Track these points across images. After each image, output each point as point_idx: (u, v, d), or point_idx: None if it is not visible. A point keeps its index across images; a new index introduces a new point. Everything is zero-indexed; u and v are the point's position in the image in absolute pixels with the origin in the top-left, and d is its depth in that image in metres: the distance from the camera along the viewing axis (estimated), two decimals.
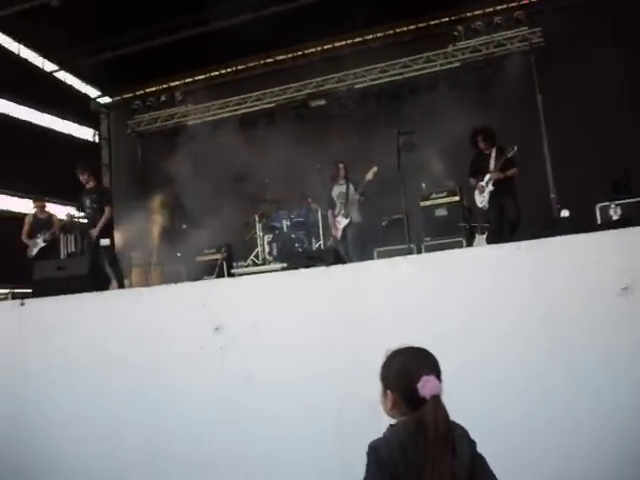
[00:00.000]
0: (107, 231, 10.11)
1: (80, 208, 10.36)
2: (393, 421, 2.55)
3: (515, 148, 9.28)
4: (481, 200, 9.54)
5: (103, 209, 10.14)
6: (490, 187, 9.35)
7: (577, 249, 5.11)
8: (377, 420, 2.67)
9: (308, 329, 5.69)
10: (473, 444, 2.59)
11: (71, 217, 11.38)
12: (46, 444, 6.52)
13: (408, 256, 6.74)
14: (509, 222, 9.18)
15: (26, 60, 17.55)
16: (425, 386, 2.41)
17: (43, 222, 11.18)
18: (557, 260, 5.12)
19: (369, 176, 10.52)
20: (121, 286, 9.80)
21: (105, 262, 10.01)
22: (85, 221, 10.55)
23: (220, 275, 12.95)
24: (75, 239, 14.17)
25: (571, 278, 5.01)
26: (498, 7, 15.34)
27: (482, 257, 5.66)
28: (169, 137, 17.69)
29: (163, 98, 17.84)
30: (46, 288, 7.46)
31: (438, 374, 2.51)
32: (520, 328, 5.03)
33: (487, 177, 9.42)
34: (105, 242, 9.97)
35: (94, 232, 9.93)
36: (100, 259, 9.89)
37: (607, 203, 10.18)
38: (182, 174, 15.67)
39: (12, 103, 17.11)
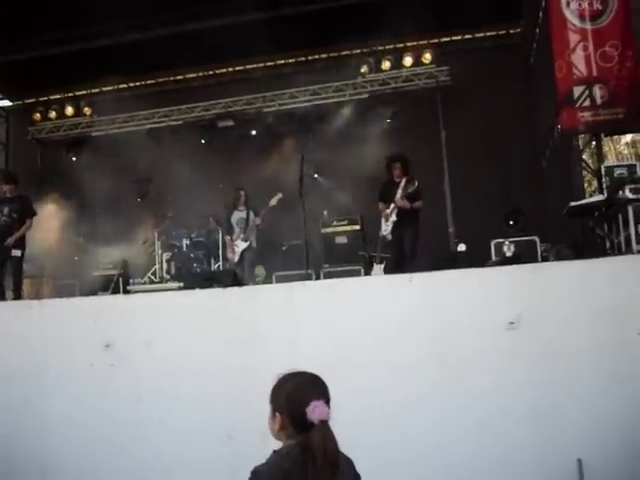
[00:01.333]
0: (21, 242, 9.76)
1: None
2: (279, 446, 2.55)
3: (416, 183, 9.39)
4: (385, 228, 9.63)
5: (24, 219, 9.78)
6: (394, 217, 9.44)
7: (469, 283, 5.26)
8: (267, 445, 2.66)
9: (202, 350, 5.64)
10: (352, 464, 2.62)
11: None
12: None
13: (305, 282, 6.77)
14: (404, 254, 9.29)
15: None
16: (314, 411, 2.42)
17: None
18: (449, 293, 5.26)
19: (273, 202, 10.50)
20: (17, 298, 9.45)
21: (10, 272, 9.70)
22: None
23: (115, 291, 12.69)
24: None
25: (462, 311, 5.15)
26: (409, 43, 15.74)
27: (377, 287, 5.75)
28: (71, 147, 17.25)
29: (68, 106, 17.38)
30: None
31: (327, 400, 2.52)
32: (412, 358, 5.12)
33: (392, 206, 9.53)
34: (17, 253, 9.58)
35: (10, 241, 9.56)
36: (8, 269, 9.64)
37: (501, 240, 10.49)
38: (83, 185, 15.35)
39: None
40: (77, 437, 5.88)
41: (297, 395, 2.51)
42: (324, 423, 2.43)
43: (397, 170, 9.73)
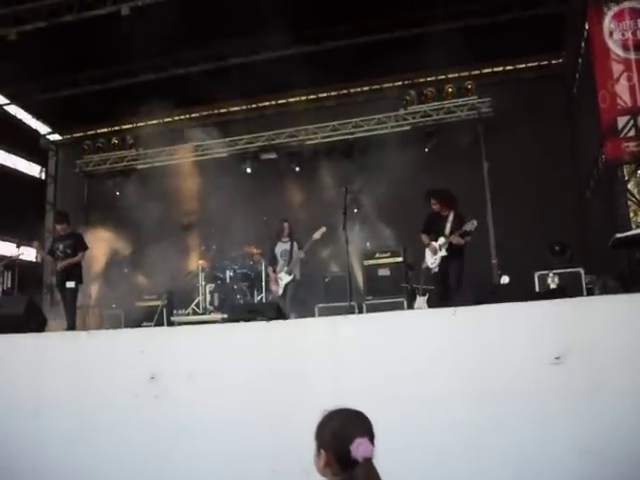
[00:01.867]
0: (75, 274, 10.19)
1: (51, 253, 10.38)
2: None
3: (475, 223, 9.24)
4: (432, 261, 9.51)
5: (77, 254, 10.28)
6: (444, 251, 9.34)
7: (513, 317, 5.22)
8: (311, 479, 2.67)
9: (245, 383, 5.67)
10: None
11: (17, 256, 11.44)
12: None
13: (349, 315, 6.78)
14: (448, 286, 9.20)
15: None
16: (358, 448, 2.42)
17: None
18: (493, 327, 5.22)
19: (317, 236, 10.51)
20: (71, 328, 9.72)
21: (65, 303, 10.15)
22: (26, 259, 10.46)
23: (159, 322, 12.80)
24: (12, 277, 13.93)
25: (507, 345, 5.11)
26: (450, 75, 15.80)
27: (421, 320, 5.74)
28: (117, 179, 17.59)
29: (114, 140, 17.71)
30: None
31: (372, 437, 2.52)
32: (457, 392, 5.09)
33: (442, 240, 9.38)
34: (71, 284, 10.07)
35: (63, 264, 10.11)
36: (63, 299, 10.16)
37: (545, 272, 10.38)
38: (128, 217, 15.58)
39: None
40: (120, 468, 5.92)
41: (341, 433, 2.52)
42: (368, 461, 2.43)
43: (435, 205, 9.62)
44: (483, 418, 5.00)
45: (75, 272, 10.21)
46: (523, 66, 15.76)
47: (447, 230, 9.34)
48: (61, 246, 10.32)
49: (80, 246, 10.40)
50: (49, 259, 11.01)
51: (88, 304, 13.83)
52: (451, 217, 9.42)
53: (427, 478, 4.88)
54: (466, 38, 12.32)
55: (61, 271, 10.15)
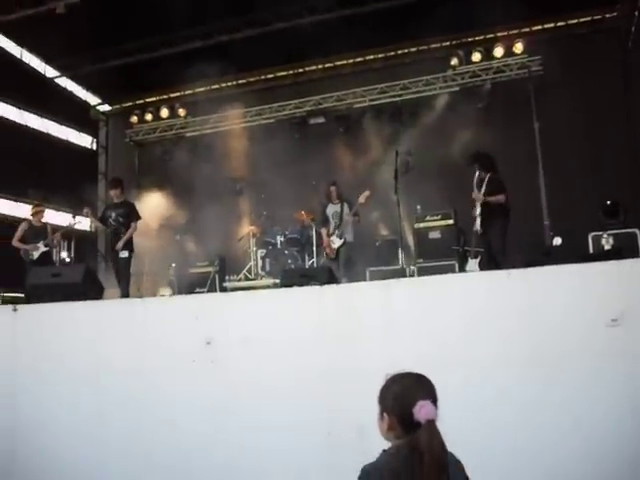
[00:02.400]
0: (128, 244, 10.37)
1: (103, 220, 10.56)
2: (386, 444, 2.59)
3: (492, 178, 9.17)
4: (476, 225, 9.49)
5: (130, 223, 10.41)
6: (477, 211, 9.28)
7: (568, 279, 5.17)
8: (364, 442, 2.70)
9: (299, 347, 5.72)
10: (462, 466, 2.64)
11: (72, 226, 11.69)
12: (38, 449, 6.53)
13: (401, 279, 6.79)
14: (492, 250, 9.11)
15: (28, 65, 17.61)
16: (421, 411, 2.45)
17: (38, 230, 11.16)
18: (548, 289, 5.17)
19: (361, 199, 10.52)
20: (125, 296, 9.91)
21: (117, 272, 10.38)
22: (81, 229, 10.66)
23: (212, 288, 12.96)
24: (69, 247, 14.22)
25: (561, 308, 5.06)
26: (499, 34, 15.48)
27: (474, 283, 5.72)
28: (167, 147, 17.75)
29: (163, 108, 17.86)
30: (39, 294, 7.51)
31: (434, 400, 2.55)
32: (510, 355, 5.08)
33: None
34: (124, 254, 10.27)
35: (119, 245, 10.24)
36: (117, 269, 10.38)
37: (599, 232, 10.22)
38: (178, 185, 15.76)
39: (12, 107, 17.14)
40: (181, 432, 6.05)
41: (404, 396, 2.55)
42: (431, 423, 2.45)
43: (477, 170, 9.53)
44: (538, 381, 4.98)
45: (128, 242, 10.35)
46: (575, 21, 15.23)
47: (482, 190, 9.25)
48: (113, 214, 10.46)
49: (133, 215, 10.54)
50: (100, 226, 11.20)
51: (142, 271, 14.08)
52: (486, 178, 9.32)
53: (483, 442, 4.88)
54: None
55: (114, 242, 10.31)
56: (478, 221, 9.35)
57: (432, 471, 2.39)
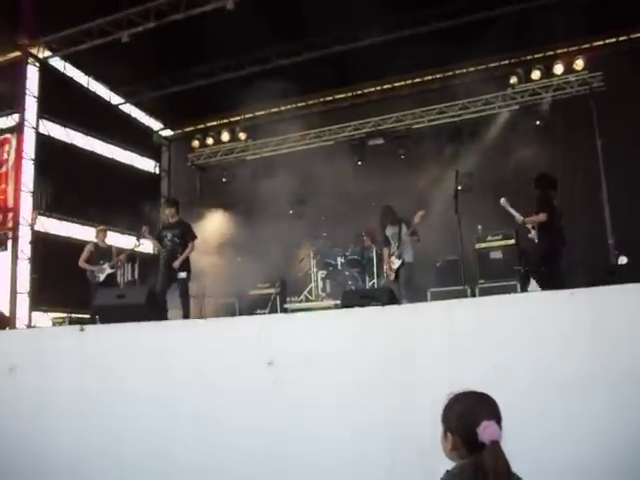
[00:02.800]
0: (186, 264, 10.41)
1: (159, 240, 10.64)
2: (450, 465, 2.58)
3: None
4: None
5: (186, 243, 10.45)
6: (532, 232, 9.08)
7: (634, 298, 5.05)
8: (427, 464, 2.69)
9: (361, 368, 5.70)
10: None
11: (137, 246, 11.88)
12: (106, 471, 6.62)
13: (463, 299, 6.73)
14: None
15: (94, 93, 18.19)
16: (485, 431, 2.43)
17: (104, 251, 11.44)
18: (614, 308, 5.06)
19: (416, 219, 10.44)
20: (186, 317, 10.00)
21: (178, 293, 10.36)
22: (145, 251, 10.81)
23: (273, 309, 13.06)
24: (133, 268, 14.48)
25: (629, 327, 4.95)
26: (558, 51, 15.34)
27: (537, 302, 5.64)
28: (228, 171, 17.98)
29: (224, 132, 18.16)
30: (105, 315, 7.70)
31: (499, 420, 2.52)
32: (575, 376, 4.97)
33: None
34: (182, 275, 10.28)
35: (176, 264, 10.24)
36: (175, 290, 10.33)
37: None
38: (239, 207, 15.95)
39: (79, 133, 17.65)
40: (240, 454, 6.06)
41: (468, 415, 2.53)
42: (495, 443, 2.43)
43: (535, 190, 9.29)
44: (608, 404, 4.86)
45: (185, 262, 10.37)
46: (637, 36, 15.01)
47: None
48: (169, 235, 10.46)
49: (190, 236, 10.55)
50: (156, 245, 11.19)
51: (203, 293, 14.25)
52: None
53: (545, 465, 4.78)
54: (574, 10, 11.93)
55: (171, 264, 10.28)
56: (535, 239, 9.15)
57: None
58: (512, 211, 9.06)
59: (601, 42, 15.28)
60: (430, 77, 16.83)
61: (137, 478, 6.43)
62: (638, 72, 13.51)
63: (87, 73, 17.79)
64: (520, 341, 5.23)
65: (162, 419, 6.48)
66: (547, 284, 8.25)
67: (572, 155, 13.71)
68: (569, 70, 14.64)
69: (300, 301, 13.64)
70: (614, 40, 15.17)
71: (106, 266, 11.20)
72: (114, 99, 18.77)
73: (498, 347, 5.28)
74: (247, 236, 15.43)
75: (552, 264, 8.69)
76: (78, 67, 17.43)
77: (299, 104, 18.07)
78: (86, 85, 17.94)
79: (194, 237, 10.66)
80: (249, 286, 14.19)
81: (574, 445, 4.87)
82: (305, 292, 13.77)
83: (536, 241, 9.05)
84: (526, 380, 5.06)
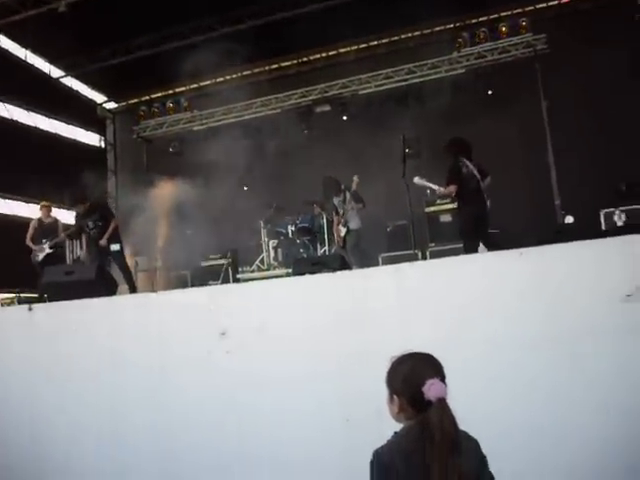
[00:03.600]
0: (116, 238, 10.32)
1: (82, 231, 10.72)
2: (398, 426, 2.59)
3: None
4: None
5: (109, 222, 10.34)
6: None
7: (581, 256, 5.12)
8: (383, 425, 2.69)
9: (314, 334, 5.71)
10: (478, 444, 2.63)
11: (79, 227, 11.64)
12: (53, 448, 6.56)
13: (413, 262, 6.75)
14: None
15: (33, 66, 17.65)
16: (430, 389, 2.45)
17: (48, 227, 11.25)
18: (560, 267, 5.13)
19: (354, 186, 10.49)
20: (133, 291, 9.89)
21: (115, 267, 10.31)
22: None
23: (225, 280, 13.01)
24: (81, 244, 14.24)
25: (574, 285, 5.02)
26: (502, 14, 15.41)
27: (486, 263, 5.69)
28: (175, 142, 17.77)
29: (169, 103, 17.90)
30: (54, 293, 7.54)
31: (443, 378, 2.55)
32: (525, 335, 5.04)
33: None
34: (116, 247, 10.23)
35: (103, 242, 10.15)
36: (110, 265, 10.28)
37: (611, 209, 10.17)
38: (187, 179, 15.75)
39: (19, 109, 17.22)
40: (197, 423, 6.06)
41: (412, 376, 2.55)
42: (442, 401, 2.45)
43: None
44: (555, 362, 4.94)
45: (114, 236, 10.31)
46: None
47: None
48: (90, 223, 10.40)
49: (109, 214, 10.57)
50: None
51: (155, 266, 14.12)
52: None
53: (496, 421, 4.84)
54: None
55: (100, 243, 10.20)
56: None
57: (443, 449, 2.39)
58: (430, 185, 8.94)
59: (544, 4, 15.38)
60: (376, 42, 16.81)
61: (90, 460, 6.39)
62: (581, 34, 13.67)
63: (24, 46, 17.23)
64: (471, 301, 5.28)
65: (113, 396, 6.42)
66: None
67: (518, 118, 13.83)
68: (513, 33, 14.70)
69: (252, 271, 13.61)
70: (557, 2, 15.30)
71: (45, 245, 10.99)
72: (54, 72, 18.25)
73: (450, 309, 5.32)
74: (197, 207, 15.30)
75: (479, 230, 8.59)
76: (13, 39, 16.90)
77: (244, 73, 17.89)
78: (24, 58, 17.39)
79: (113, 214, 10.70)
80: (200, 257, 14.09)
81: (528, 403, 4.95)
82: (257, 262, 13.73)
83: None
84: (475, 340, 5.12)
